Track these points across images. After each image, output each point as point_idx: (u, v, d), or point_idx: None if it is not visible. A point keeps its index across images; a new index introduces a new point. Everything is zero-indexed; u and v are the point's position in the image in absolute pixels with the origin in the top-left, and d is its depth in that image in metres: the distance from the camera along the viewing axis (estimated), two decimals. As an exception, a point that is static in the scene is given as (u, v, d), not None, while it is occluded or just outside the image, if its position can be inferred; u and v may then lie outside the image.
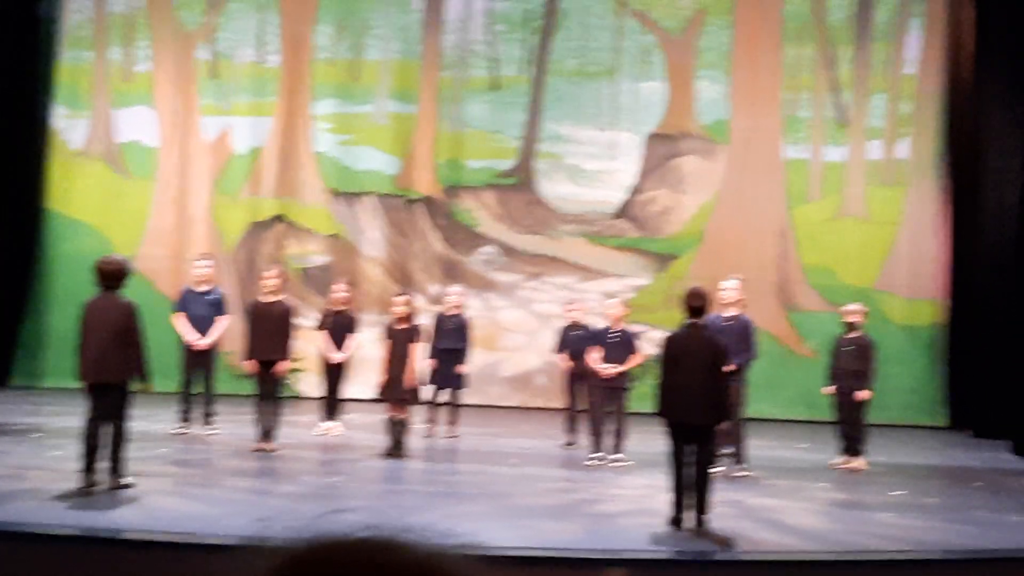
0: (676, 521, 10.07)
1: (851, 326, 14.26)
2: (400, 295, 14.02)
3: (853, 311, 14.36)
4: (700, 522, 10.01)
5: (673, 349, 10.32)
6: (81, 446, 10.61)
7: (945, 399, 19.22)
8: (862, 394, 13.99)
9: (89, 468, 10.54)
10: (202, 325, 14.57)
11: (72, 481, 10.50)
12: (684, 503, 10.09)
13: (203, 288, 14.80)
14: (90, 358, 10.63)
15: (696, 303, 10.48)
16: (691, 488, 10.09)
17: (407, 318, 13.60)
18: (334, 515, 1.26)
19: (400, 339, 13.50)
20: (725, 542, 9.59)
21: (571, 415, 15.24)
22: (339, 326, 15.12)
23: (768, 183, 19.79)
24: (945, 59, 19.65)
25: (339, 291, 15.34)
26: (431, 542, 1.28)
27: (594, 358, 13.72)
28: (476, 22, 20.31)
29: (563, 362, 15.30)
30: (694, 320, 10.44)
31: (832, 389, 14.27)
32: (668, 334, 10.77)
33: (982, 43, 18.92)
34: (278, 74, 20.35)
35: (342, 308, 15.20)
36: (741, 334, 13.20)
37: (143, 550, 8.59)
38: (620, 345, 13.55)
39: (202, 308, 14.64)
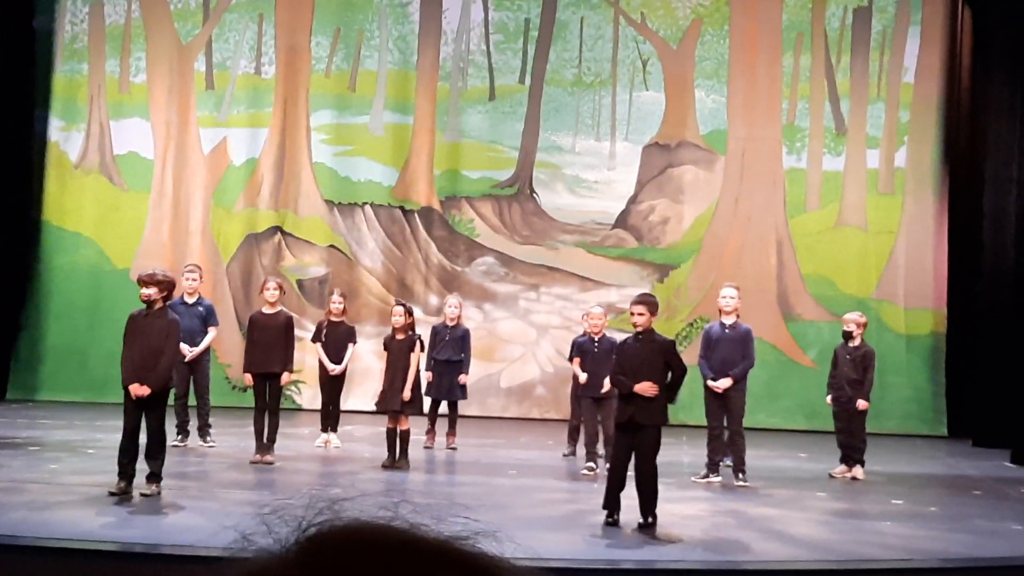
0: (615, 521, 10.31)
1: (851, 335, 14.21)
2: (398, 306, 13.94)
3: (853, 320, 14.31)
4: (653, 521, 10.27)
5: (626, 356, 10.66)
6: (121, 456, 10.80)
7: (944, 408, 19.15)
8: (862, 403, 13.95)
9: (126, 474, 10.74)
10: (190, 337, 14.33)
11: (68, 493, 10.47)
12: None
13: (191, 299, 14.70)
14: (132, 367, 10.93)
15: (653, 311, 10.79)
16: (642, 488, 10.39)
17: (405, 329, 13.55)
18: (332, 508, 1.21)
19: (399, 350, 13.45)
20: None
21: (574, 426, 15.16)
22: (336, 337, 15.03)
23: (766, 192, 19.73)
24: (943, 67, 19.61)
25: (335, 302, 15.24)
26: (447, 532, 1.25)
27: (575, 367, 13.91)
28: (473, 32, 20.27)
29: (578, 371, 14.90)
30: (647, 327, 10.72)
31: (832, 398, 14.24)
32: (620, 342, 11.12)
33: (980, 51, 18.93)
34: (274, 85, 20.31)
35: (338, 319, 15.13)
36: (740, 342, 13.25)
37: (139, 562, 8.56)
38: (602, 355, 13.49)
39: (190, 319, 14.39)
